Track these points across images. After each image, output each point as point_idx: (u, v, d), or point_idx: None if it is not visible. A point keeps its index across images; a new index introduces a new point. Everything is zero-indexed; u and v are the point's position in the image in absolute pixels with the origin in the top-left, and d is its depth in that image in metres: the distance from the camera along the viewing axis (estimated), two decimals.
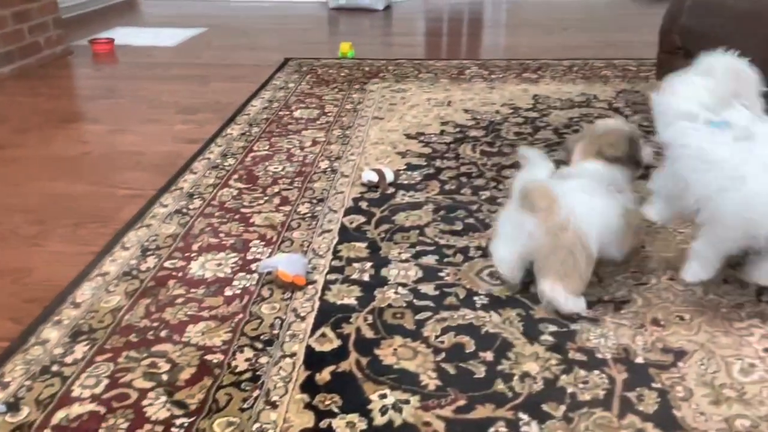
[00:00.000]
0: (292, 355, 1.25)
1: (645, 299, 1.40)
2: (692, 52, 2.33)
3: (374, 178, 1.97)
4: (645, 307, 1.37)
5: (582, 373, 1.19)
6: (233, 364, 1.23)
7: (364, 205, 1.87)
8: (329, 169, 2.11)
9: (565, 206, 1.32)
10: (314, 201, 1.90)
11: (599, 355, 1.24)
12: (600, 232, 1.34)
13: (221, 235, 1.71)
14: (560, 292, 1.34)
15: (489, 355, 1.25)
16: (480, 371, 1.21)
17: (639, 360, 1.22)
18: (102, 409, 1.13)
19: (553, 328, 1.32)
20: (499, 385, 1.17)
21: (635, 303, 1.39)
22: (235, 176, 2.07)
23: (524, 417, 1.10)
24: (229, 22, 4.67)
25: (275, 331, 1.32)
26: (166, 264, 1.57)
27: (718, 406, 1.10)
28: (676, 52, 2.42)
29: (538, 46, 3.76)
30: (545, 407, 1.11)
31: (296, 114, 2.65)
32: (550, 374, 1.19)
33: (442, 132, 2.43)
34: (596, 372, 1.19)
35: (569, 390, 1.15)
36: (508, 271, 1.44)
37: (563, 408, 1.11)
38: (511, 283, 1.46)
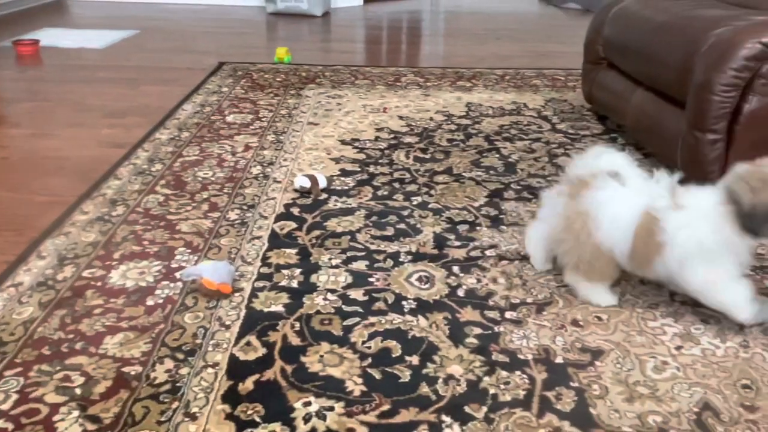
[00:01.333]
0: (215, 365, 1.22)
1: (566, 300, 1.44)
2: (614, 62, 2.44)
3: (307, 183, 1.95)
4: (566, 308, 1.41)
5: (504, 374, 1.22)
6: (152, 375, 1.19)
7: (295, 211, 1.85)
8: (261, 175, 2.09)
9: (593, 197, 1.34)
10: (244, 207, 1.86)
11: (521, 356, 1.26)
12: (618, 233, 1.32)
13: (145, 242, 1.65)
14: (580, 281, 1.42)
15: (415, 359, 1.25)
16: (405, 375, 1.21)
17: (558, 360, 1.25)
18: (10, 426, 1.07)
19: (477, 330, 1.34)
20: (424, 389, 1.18)
21: (557, 304, 1.43)
22: (162, 182, 2.01)
23: (447, 419, 1.11)
24: (163, 25, 4.55)
25: (198, 341, 1.29)
26: (85, 273, 1.51)
27: (632, 403, 1.14)
28: (599, 62, 2.52)
29: (472, 55, 3.83)
30: (467, 409, 1.13)
31: (229, 119, 2.61)
32: (474, 376, 1.21)
33: (376, 138, 2.44)
34: (518, 372, 1.22)
35: (491, 391, 1.17)
36: (536, 263, 1.56)
37: (485, 409, 1.13)
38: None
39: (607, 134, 2.47)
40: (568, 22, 5.17)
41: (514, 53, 3.91)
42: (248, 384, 1.18)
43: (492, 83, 3.20)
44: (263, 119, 2.62)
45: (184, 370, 1.21)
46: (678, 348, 1.29)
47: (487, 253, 1.64)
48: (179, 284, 1.48)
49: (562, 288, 1.49)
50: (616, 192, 1.35)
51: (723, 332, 1.33)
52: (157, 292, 1.45)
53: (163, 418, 1.09)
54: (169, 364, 1.23)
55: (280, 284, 1.49)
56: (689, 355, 1.27)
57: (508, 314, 1.40)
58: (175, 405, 1.12)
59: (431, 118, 2.67)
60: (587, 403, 1.14)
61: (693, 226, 1.25)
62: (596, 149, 1.46)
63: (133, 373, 1.20)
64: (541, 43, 4.26)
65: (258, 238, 1.70)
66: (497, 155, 2.29)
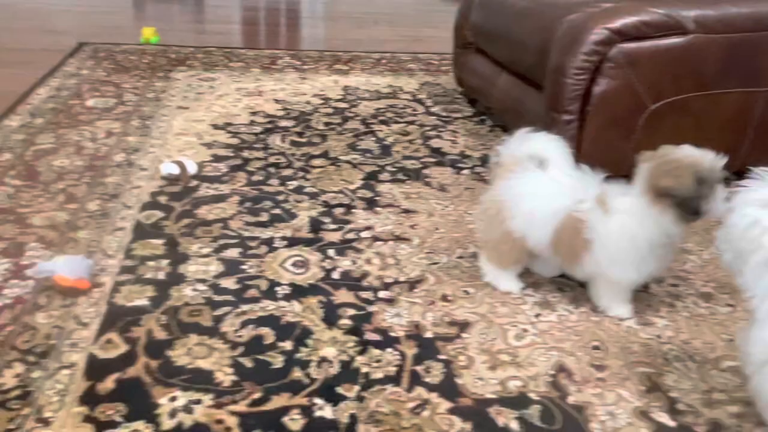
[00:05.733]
0: (71, 365, 1.15)
1: (437, 277, 1.49)
2: (481, 47, 2.53)
3: (175, 170, 1.87)
4: (436, 285, 1.46)
5: (376, 352, 1.24)
6: None
7: (163, 199, 1.77)
8: (125, 163, 1.97)
9: (511, 181, 1.35)
10: (106, 197, 1.75)
11: (393, 334, 1.29)
12: (531, 221, 1.33)
13: None
14: (487, 264, 1.45)
15: (288, 345, 1.24)
16: (278, 361, 1.20)
17: (428, 335, 1.29)
18: None
19: (351, 311, 1.35)
20: (296, 373, 1.17)
21: (428, 281, 1.47)
22: (12, 172, 1.84)
23: (319, 401, 1.11)
24: (14, 2, 4.15)
25: (52, 342, 1.20)
26: None
27: (495, 371, 1.21)
28: (468, 47, 2.60)
29: (350, 39, 3.83)
30: (340, 389, 1.14)
31: (89, 103, 2.43)
32: (347, 357, 1.22)
33: (251, 122, 2.38)
34: (389, 350, 1.24)
35: (364, 370, 1.19)
36: None
37: (357, 388, 1.14)
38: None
39: (477, 117, 2.57)
40: (444, 7, 5.29)
41: (390, 37, 3.96)
42: (108, 383, 1.11)
43: (369, 67, 3.21)
44: (128, 103, 2.47)
45: (36, 374, 1.12)
46: (537, 316, 1.37)
47: (362, 234, 1.66)
48: (31, 282, 1.36)
49: (433, 265, 1.53)
50: (534, 185, 1.35)
51: (577, 299, 1.43)
52: (5, 291, 1.33)
53: (12, 426, 1.01)
54: (19, 368, 1.13)
55: (145, 277, 1.42)
56: (547, 321, 1.35)
57: (381, 294, 1.42)
58: (25, 411, 1.04)
59: (308, 102, 2.64)
60: (454, 373, 1.19)
61: (625, 226, 1.27)
62: (522, 133, 1.40)
63: None
64: (417, 28, 4.34)
65: (121, 229, 1.60)
66: (373, 138, 2.31)
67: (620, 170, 1.38)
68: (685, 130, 1.83)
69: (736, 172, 1.03)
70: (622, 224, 1.28)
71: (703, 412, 1.13)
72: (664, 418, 1.11)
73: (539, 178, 1.36)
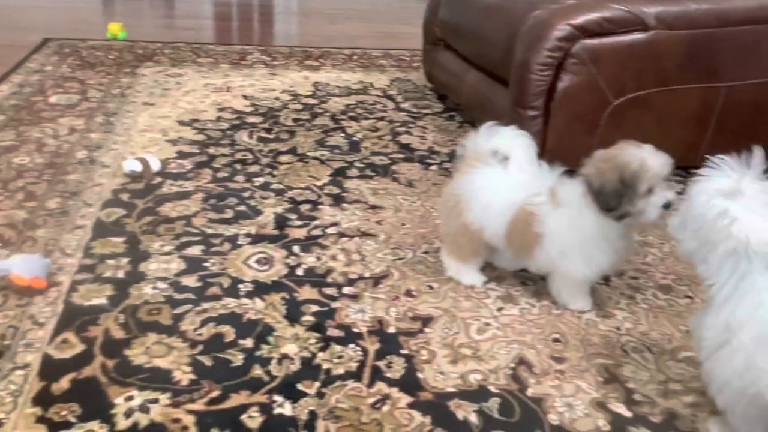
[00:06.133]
0: (25, 366, 1.13)
1: (401, 272, 1.49)
2: (450, 43, 2.53)
3: (138, 167, 1.84)
4: (400, 280, 1.46)
5: (338, 348, 1.23)
6: None
7: (125, 197, 1.74)
8: (87, 160, 1.93)
9: (470, 175, 1.36)
10: (66, 195, 1.72)
11: (356, 330, 1.29)
12: (488, 213, 1.34)
13: None
14: (448, 258, 1.46)
15: (249, 342, 1.23)
16: (238, 359, 1.19)
17: (391, 330, 1.29)
18: None
19: (315, 308, 1.35)
20: (256, 371, 1.16)
21: (392, 277, 1.47)
22: None
23: (278, 399, 1.10)
24: None
25: (6, 342, 1.18)
26: None
27: (456, 365, 1.21)
28: (437, 43, 2.61)
29: (322, 35, 3.81)
30: (300, 386, 1.13)
31: (52, 100, 2.39)
32: (308, 353, 1.21)
33: (218, 118, 2.36)
34: (351, 346, 1.24)
35: (325, 366, 1.18)
36: None
37: (317, 384, 1.14)
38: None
39: (446, 113, 2.57)
40: (415, 3, 5.27)
41: (362, 33, 3.95)
42: (63, 383, 1.09)
43: (340, 63, 3.20)
44: (92, 100, 2.43)
45: None
46: (499, 309, 1.38)
47: (328, 231, 1.65)
48: None
49: (398, 261, 1.53)
50: (491, 179, 1.36)
51: (539, 293, 1.44)
52: None
53: None
54: None
55: (104, 275, 1.39)
56: (509, 315, 1.36)
57: (345, 290, 1.41)
58: None
59: (277, 98, 2.62)
60: (415, 368, 1.19)
61: (571, 219, 1.27)
62: (490, 127, 1.39)
63: None
64: (389, 24, 4.33)
65: (81, 227, 1.57)
66: (342, 134, 2.30)
67: None
68: (648, 125, 1.86)
69: (698, 167, 1.04)
70: (569, 216, 1.28)
71: (659, 403, 1.14)
72: (621, 409, 1.13)
73: (498, 173, 1.36)
